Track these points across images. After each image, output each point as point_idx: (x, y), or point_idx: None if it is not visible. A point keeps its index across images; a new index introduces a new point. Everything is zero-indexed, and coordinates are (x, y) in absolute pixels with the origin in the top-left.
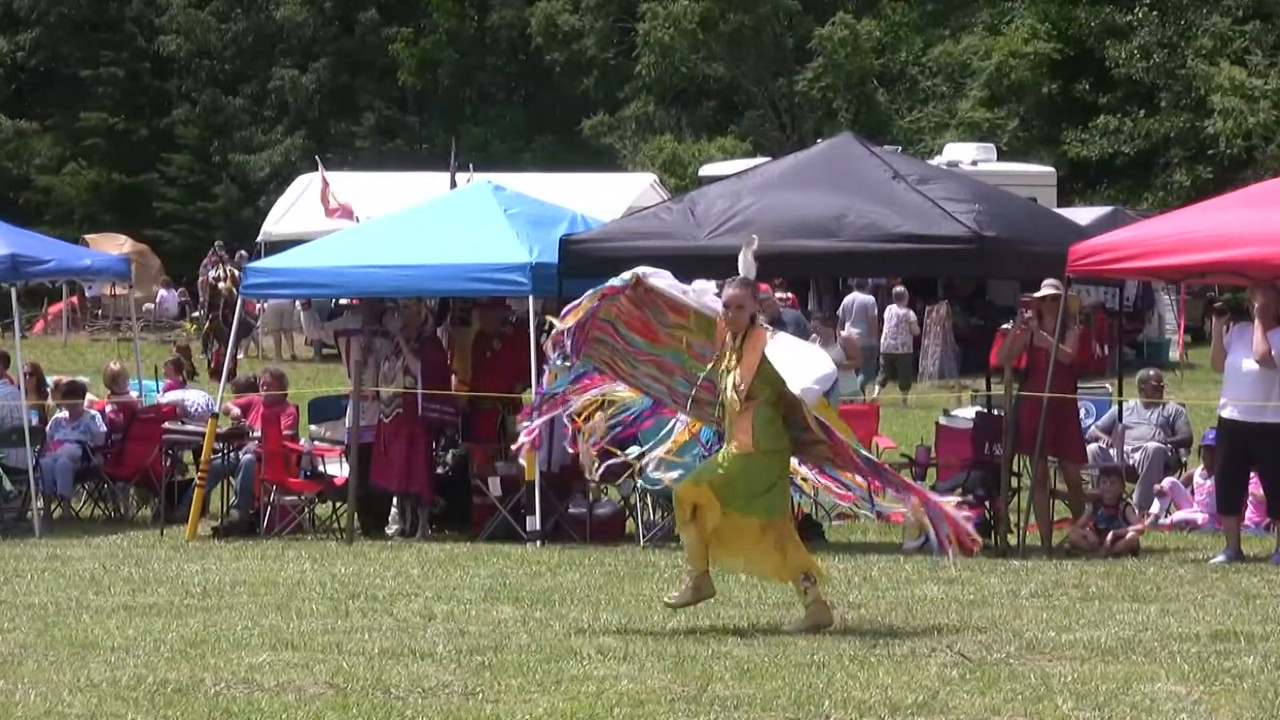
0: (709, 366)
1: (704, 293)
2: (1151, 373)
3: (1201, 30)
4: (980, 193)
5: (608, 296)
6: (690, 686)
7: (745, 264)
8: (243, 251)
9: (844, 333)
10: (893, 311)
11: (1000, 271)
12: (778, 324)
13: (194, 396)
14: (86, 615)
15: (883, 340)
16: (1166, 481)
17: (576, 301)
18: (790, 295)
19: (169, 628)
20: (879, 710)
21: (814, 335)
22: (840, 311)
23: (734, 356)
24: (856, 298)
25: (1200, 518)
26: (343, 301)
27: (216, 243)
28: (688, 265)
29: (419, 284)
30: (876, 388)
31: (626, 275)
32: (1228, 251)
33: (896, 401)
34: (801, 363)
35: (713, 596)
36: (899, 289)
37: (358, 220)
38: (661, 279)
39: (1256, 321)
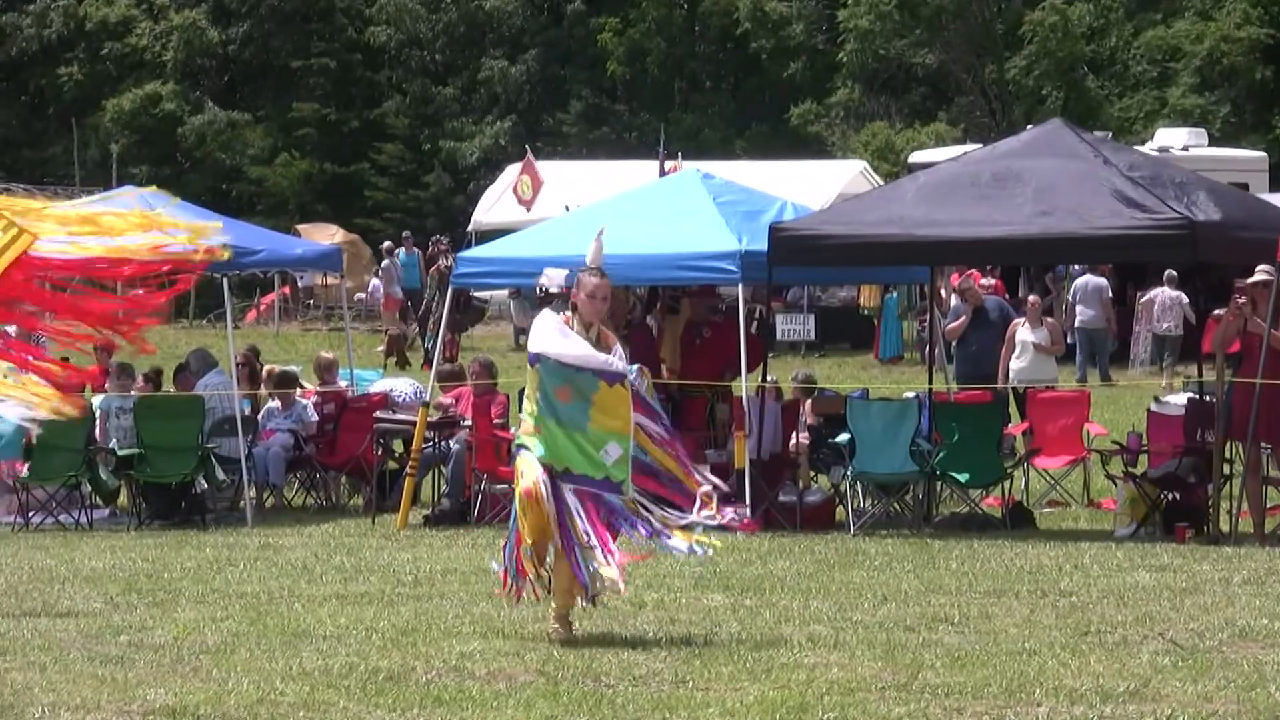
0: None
1: (556, 276)
2: None
3: None
4: (1191, 178)
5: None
6: (901, 674)
7: (594, 253)
8: (392, 249)
9: (1049, 319)
10: (1165, 294)
11: (1212, 258)
12: (979, 311)
13: (402, 386)
14: (299, 604)
15: (1155, 323)
16: None
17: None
18: (995, 281)
19: (380, 616)
20: (1090, 698)
21: (1018, 321)
22: (1071, 294)
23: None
24: (1090, 280)
25: None
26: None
27: (404, 234)
28: (896, 253)
29: (629, 272)
30: (1166, 371)
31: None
32: None
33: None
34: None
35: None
36: (1170, 272)
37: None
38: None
39: None
